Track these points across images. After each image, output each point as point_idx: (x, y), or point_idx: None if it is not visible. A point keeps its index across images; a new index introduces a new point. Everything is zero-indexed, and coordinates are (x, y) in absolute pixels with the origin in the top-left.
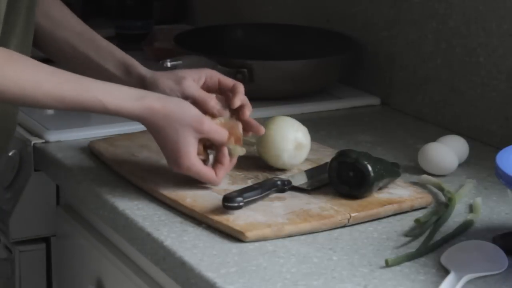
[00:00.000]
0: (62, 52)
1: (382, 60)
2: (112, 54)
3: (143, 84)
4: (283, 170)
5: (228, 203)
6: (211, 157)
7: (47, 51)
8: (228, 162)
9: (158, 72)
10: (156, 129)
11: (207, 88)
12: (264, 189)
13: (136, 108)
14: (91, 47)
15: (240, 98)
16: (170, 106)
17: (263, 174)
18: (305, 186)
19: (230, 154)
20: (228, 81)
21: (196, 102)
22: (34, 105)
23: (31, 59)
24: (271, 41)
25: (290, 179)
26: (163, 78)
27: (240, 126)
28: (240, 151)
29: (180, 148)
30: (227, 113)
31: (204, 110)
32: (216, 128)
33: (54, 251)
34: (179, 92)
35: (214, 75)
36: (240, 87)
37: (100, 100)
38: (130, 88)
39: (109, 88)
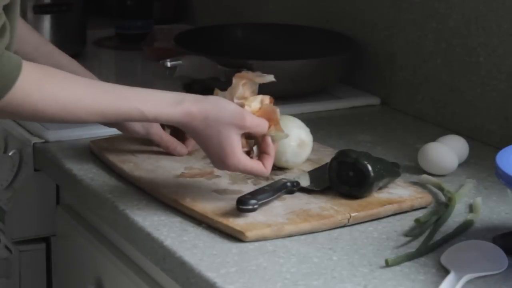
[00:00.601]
0: None
1: (382, 60)
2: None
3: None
4: (283, 169)
5: (243, 205)
6: (255, 148)
7: None
8: (274, 151)
9: None
10: (196, 133)
11: None
12: (275, 190)
13: (174, 114)
14: (50, 62)
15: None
16: (208, 107)
17: None
18: (313, 187)
19: (273, 141)
20: None
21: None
22: (74, 121)
23: (65, 72)
24: (271, 41)
25: (297, 180)
26: None
27: (277, 111)
28: (284, 136)
29: (225, 148)
30: (265, 99)
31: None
32: (258, 122)
33: (54, 251)
34: (144, 131)
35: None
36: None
37: (139, 109)
38: (168, 92)
39: (146, 95)
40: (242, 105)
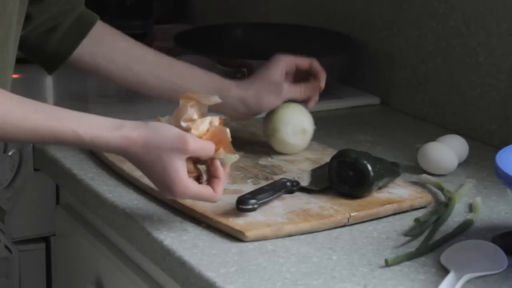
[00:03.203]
0: (145, 83)
1: (382, 60)
2: (199, 77)
3: (245, 104)
4: (284, 154)
5: (242, 205)
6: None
7: (127, 83)
8: (223, 174)
9: (254, 87)
10: (138, 160)
11: (288, 75)
12: (274, 190)
13: (112, 139)
14: (174, 73)
15: (324, 78)
16: (147, 133)
17: (262, 173)
18: (313, 187)
19: (223, 164)
20: (304, 63)
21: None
22: (6, 139)
23: None
24: (271, 40)
25: (297, 179)
26: (266, 94)
27: (227, 131)
28: (233, 158)
29: (169, 175)
30: (214, 120)
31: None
32: (202, 144)
33: (54, 250)
34: (282, 101)
35: (291, 62)
36: (317, 66)
37: (75, 131)
38: (107, 118)
39: (83, 117)
40: (188, 128)
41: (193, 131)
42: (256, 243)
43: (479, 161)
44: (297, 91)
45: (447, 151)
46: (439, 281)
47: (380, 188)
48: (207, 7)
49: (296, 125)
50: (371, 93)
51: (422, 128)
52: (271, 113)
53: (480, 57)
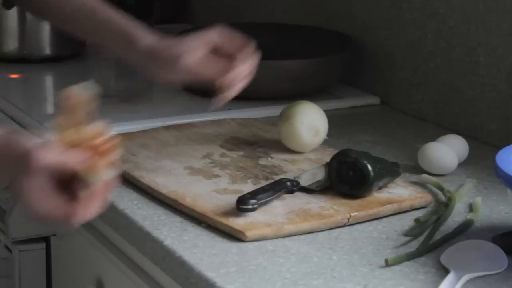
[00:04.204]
0: (67, 25)
1: (382, 60)
2: (110, 28)
3: (149, 58)
4: (284, 153)
5: (243, 205)
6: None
7: (53, 22)
8: (85, 195)
9: (158, 48)
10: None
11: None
12: (275, 190)
13: None
14: (90, 19)
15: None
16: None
17: (262, 173)
18: (314, 187)
19: (88, 183)
20: (230, 49)
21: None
22: None
23: None
24: (271, 41)
25: (297, 179)
26: (160, 58)
27: (101, 134)
28: (98, 177)
29: (21, 195)
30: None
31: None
32: (57, 160)
33: (54, 250)
34: (175, 72)
35: (220, 40)
36: (244, 54)
37: None
38: None
39: None
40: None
41: (60, 142)
42: (256, 243)
43: (479, 161)
44: (194, 67)
45: (447, 151)
46: (439, 281)
47: (380, 188)
48: (207, 7)
49: (312, 121)
50: (371, 93)
51: (422, 128)
52: (293, 104)
53: (480, 57)
